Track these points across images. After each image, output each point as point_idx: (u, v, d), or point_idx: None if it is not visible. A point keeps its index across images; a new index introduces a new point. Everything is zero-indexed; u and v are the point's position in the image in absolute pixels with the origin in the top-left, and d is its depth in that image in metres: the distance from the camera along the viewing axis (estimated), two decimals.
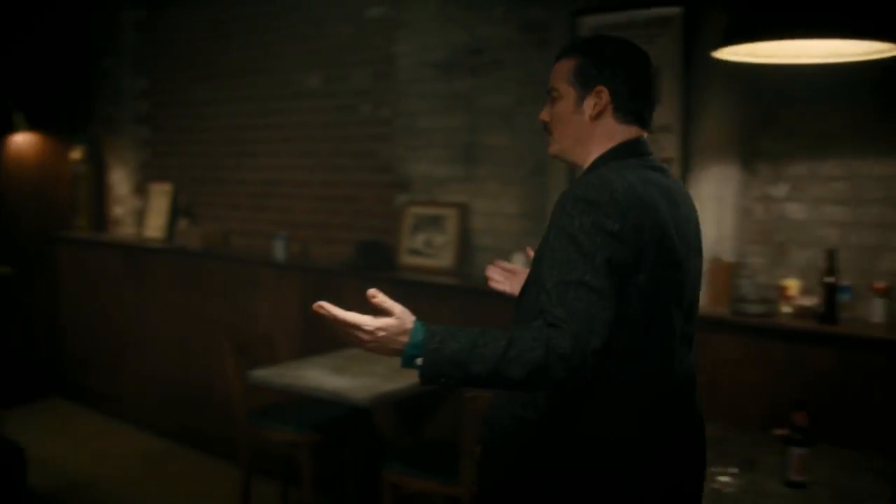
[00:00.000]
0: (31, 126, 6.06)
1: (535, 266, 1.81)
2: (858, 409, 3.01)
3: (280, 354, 4.28)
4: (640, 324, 1.74)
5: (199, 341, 5.24)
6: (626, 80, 1.87)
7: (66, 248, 6.26)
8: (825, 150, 3.26)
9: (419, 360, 1.63)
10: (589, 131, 1.88)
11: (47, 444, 5.22)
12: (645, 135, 1.91)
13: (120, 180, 6.20)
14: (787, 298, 3.28)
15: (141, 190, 6.00)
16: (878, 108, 3.17)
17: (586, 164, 1.90)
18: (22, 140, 6.12)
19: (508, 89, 4.05)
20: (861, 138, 3.20)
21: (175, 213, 5.63)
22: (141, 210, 5.97)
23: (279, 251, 4.77)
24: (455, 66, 4.23)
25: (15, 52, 5.98)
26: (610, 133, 1.87)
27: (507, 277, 2.24)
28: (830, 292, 3.11)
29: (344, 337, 1.69)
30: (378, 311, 1.66)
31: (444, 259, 4.24)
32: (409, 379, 3.61)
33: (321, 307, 1.67)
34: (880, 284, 3.13)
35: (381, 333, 1.66)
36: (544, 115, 1.96)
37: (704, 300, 3.42)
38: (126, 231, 6.14)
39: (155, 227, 5.72)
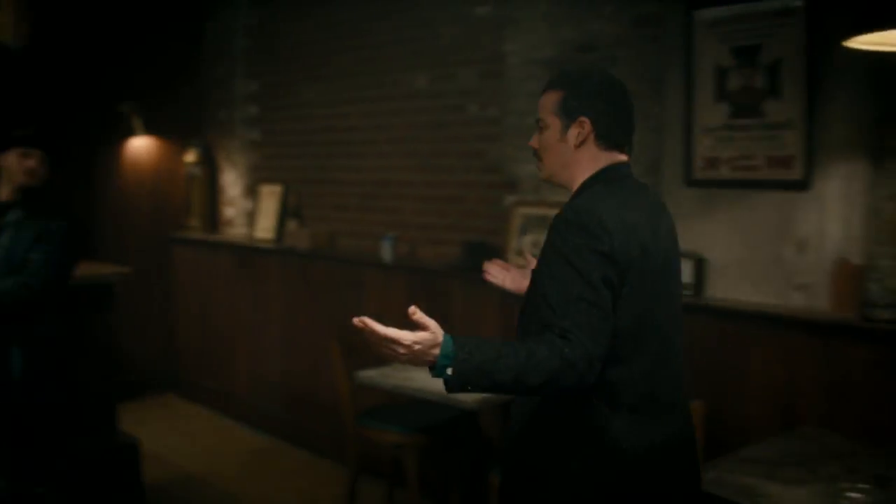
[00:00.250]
0: (148, 130, 6.25)
1: (534, 283, 1.98)
2: None
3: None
4: (630, 331, 1.92)
5: (307, 341, 5.29)
6: (606, 110, 2.05)
7: (180, 249, 6.43)
8: None
9: (449, 370, 1.77)
10: (574, 158, 2.07)
11: (161, 440, 5.34)
12: (625, 158, 2.09)
13: (231, 182, 6.33)
14: None
15: (251, 191, 6.11)
16: None
17: (573, 187, 2.09)
18: (139, 144, 6.31)
19: None
20: None
21: (284, 214, 5.70)
22: (251, 211, 6.07)
23: (386, 252, 4.77)
24: (564, 64, 4.14)
25: (134, 60, 6.18)
26: (593, 159, 2.06)
27: (503, 273, 2.42)
28: None
29: (378, 350, 1.81)
30: (416, 326, 1.78)
31: None
32: None
33: (363, 322, 1.79)
34: None
35: (417, 347, 1.77)
36: (534, 143, 2.16)
37: (826, 304, 3.28)
38: (237, 232, 6.26)
39: (265, 227, 5.81)
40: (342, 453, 4.56)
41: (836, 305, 3.24)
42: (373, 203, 5.15)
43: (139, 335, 6.32)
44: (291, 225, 5.55)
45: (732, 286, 3.55)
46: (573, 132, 2.06)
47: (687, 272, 3.60)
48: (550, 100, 2.12)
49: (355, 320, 1.79)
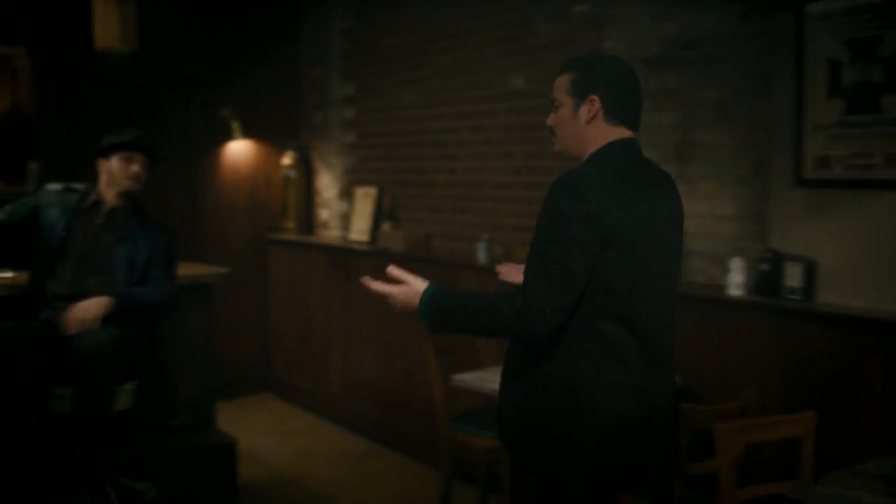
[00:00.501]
0: (247, 134, 6.34)
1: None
2: None
3: (482, 358, 4.21)
4: (619, 291, 2.12)
5: (401, 343, 5.28)
6: (614, 89, 2.25)
7: (276, 250, 6.50)
8: None
9: (424, 317, 2.20)
10: (584, 133, 2.25)
11: (255, 439, 5.41)
12: (632, 134, 2.28)
13: (327, 184, 6.37)
14: None
15: (346, 193, 6.13)
16: None
17: (584, 159, 2.27)
18: (238, 147, 6.41)
19: (725, 83, 3.80)
20: None
21: (379, 215, 5.71)
22: (346, 213, 6.10)
23: (481, 254, 4.72)
24: (666, 61, 4.02)
25: (233, 64, 6.29)
26: (602, 134, 2.25)
27: (515, 270, 2.50)
28: None
29: (387, 304, 2.27)
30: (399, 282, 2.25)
31: None
32: None
33: (366, 282, 2.28)
34: None
35: (401, 297, 2.25)
36: (550, 121, 2.34)
37: None
38: (332, 234, 6.30)
39: (359, 229, 5.82)
40: (436, 457, 4.52)
41: None
42: (467, 205, 5.10)
43: (236, 335, 6.41)
44: (386, 227, 5.54)
45: (845, 292, 3.38)
46: (584, 109, 2.25)
47: (796, 276, 3.46)
48: (564, 81, 2.30)
49: (361, 280, 2.30)
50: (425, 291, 2.23)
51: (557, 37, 4.54)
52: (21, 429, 3.37)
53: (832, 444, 3.13)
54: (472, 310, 2.16)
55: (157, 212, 6.08)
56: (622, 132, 2.27)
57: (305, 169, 6.46)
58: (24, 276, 3.80)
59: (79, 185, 3.85)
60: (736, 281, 3.61)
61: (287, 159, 6.42)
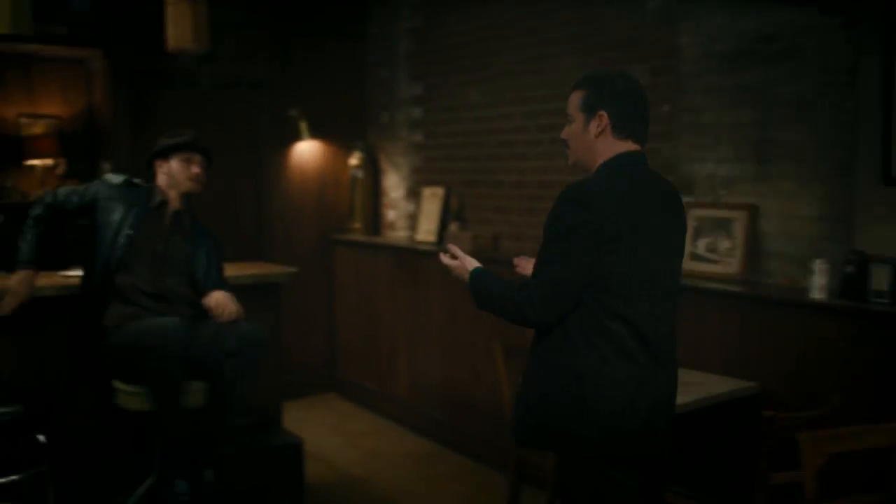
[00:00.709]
0: (314, 134, 6.35)
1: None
2: None
3: None
4: (621, 293, 2.31)
5: (468, 344, 5.22)
6: (621, 106, 2.41)
7: (342, 251, 6.50)
8: None
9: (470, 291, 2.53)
10: (594, 146, 2.44)
11: (321, 439, 5.40)
12: (638, 147, 2.45)
13: (394, 185, 6.35)
14: None
15: (413, 194, 6.10)
16: None
17: (593, 170, 2.45)
18: (305, 147, 6.43)
19: (807, 78, 3.66)
20: None
21: (446, 216, 5.66)
22: (413, 214, 6.07)
23: None
24: (744, 56, 3.89)
25: (301, 65, 6.31)
26: (610, 147, 2.43)
27: (530, 264, 2.62)
28: None
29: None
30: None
31: (730, 265, 3.91)
32: (694, 393, 3.35)
33: (440, 256, 2.65)
34: None
35: (456, 271, 2.60)
36: (564, 134, 2.55)
37: None
38: (399, 234, 6.27)
39: (426, 230, 5.78)
40: (503, 460, 4.45)
41: None
42: (537, 205, 5.02)
43: (302, 335, 6.43)
44: (453, 227, 5.49)
45: None
46: (593, 124, 2.44)
47: (883, 279, 3.31)
48: (576, 97, 2.50)
49: (439, 255, 2.67)
50: (472, 270, 2.55)
51: (630, 33, 4.44)
52: (166, 422, 3.48)
53: None
54: (495, 293, 2.45)
55: (226, 212, 6.20)
56: (629, 146, 2.45)
57: (372, 169, 6.45)
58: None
59: (139, 181, 3.86)
60: (818, 284, 3.47)
61: (354, 160, 6.42)
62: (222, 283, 3.84)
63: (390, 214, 6.41)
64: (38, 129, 5.82)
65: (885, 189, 3.38)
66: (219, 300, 3.63)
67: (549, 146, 4.91)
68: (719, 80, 4.00)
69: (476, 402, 5.15)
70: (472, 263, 2.57)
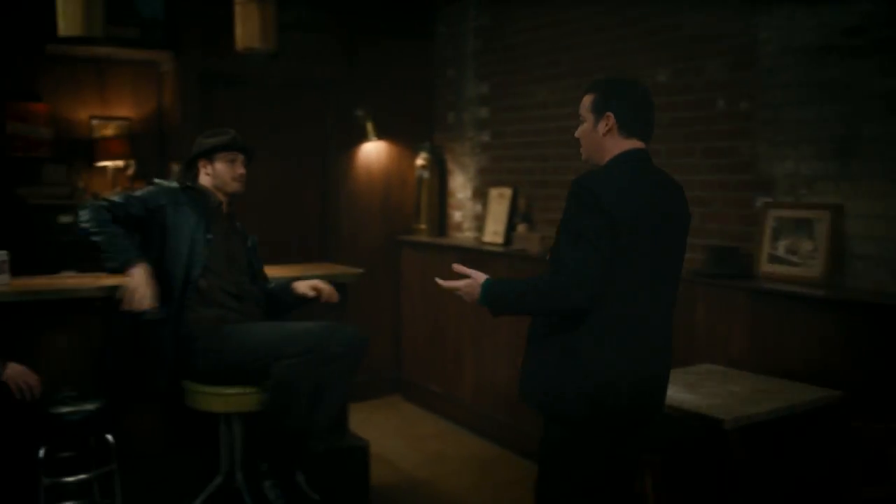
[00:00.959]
0: (380, 135, 6.33)
1: (558, 232, 2.61)
2: None
3: None
4: (623, 276, 2.50)
5: (519, 336, 5.10)
6: (627, 108, 2.66)
7: (408, 252, 6.46)
8: None
9: (483, 305, 2.67)
10: (602, 144, 2.67)
11: (386, 442, 5.35)
12: (643, 145, 2.67)
13: (460, 185, 6.28)
14: None
15: (480, 194, 6.03)
16: None
17: (601, 165, 2.68)
18: (371, 148, 6.40)
19: None
20: None
21: (513, 217, 5.57)
22: (480, 215, 5.99)
23: None
24: (827, 50, 3.73)
25: (367, 65, 6.29)
26: (617, 145, 2.66)
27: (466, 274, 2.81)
28: None
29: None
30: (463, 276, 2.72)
31: (812, 268, 3.75)
32: (774, 402, 3.21)
33: (438, 281, 2.76)
34: None
35: (466, 290, 2.70)
36: (577, 134, 2.76)
37: None
38: (465, 236, 6.20)
39: (493, 231, 5.70)
40: None
41: None
42: None
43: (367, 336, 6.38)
44: (521, 228, 5.40)
45: None
46: (601, 124, 2.67)
47: None
48: (587, 100, 2.73)
49: (436, 280, 2.79)
50: (484, 283, 2.67)
51: (705, 28, 4.30)
52: (286, 424, 3.55)
53: None
54: (521, 291, 2.63)
55: (292, 212, 6.20)
56: (634, 143, 2.67)
57: (438, 170, 6.39)
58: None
59: (191, 184, 3.81)
60: None
61: (420, 160, 6.37)
62: (267, 280, 3.96)
63: (456, 215, 6.35)
64: (109, 130, 5.90)
65: None
66: (319, 284, 3.82)
67: None
68: (801, 74, 3.85)
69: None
70: (482, 276, 2.70)
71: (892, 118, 3.50)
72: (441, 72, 6.49)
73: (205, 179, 3.77)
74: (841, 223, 3.69)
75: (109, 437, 3.39)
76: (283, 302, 3.90)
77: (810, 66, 3.80)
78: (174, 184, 3.77)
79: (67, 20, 4.15)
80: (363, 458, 4.42)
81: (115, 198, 3.65)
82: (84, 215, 3.54)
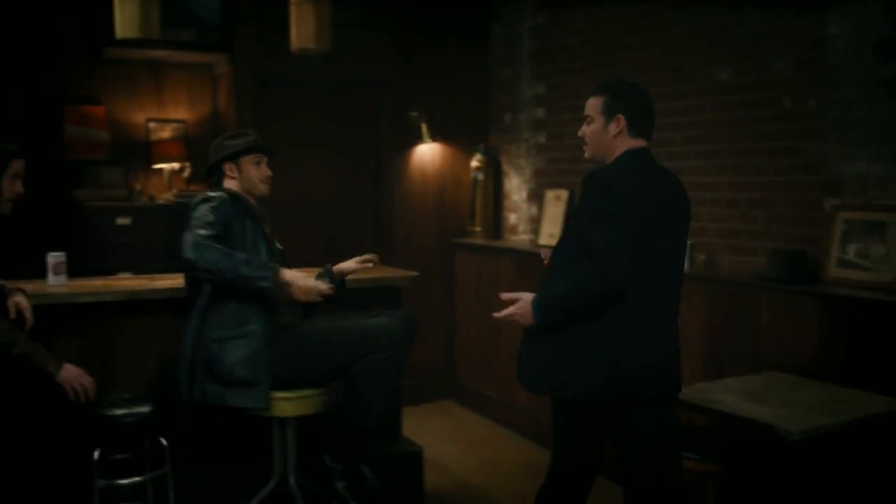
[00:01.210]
0: (435, 136, 6.27)
1: (569, 221, 2.89)
2: None
3: (684, 372, 3.89)
4: (636, 264, 2.66)
5: None
6: (635, 110, 2.87)
7: (463, 254, 6.39)
8: None
9: (540, 322, 2.80)
10: (612, 143, 2.87)
11: (439, 447, 5.30)
12: (646, 144, 2.90)
13: (515, 187, 6.20)
14: None
15: (536, 197, 5.94)
16: None
17: (608, 163, 2.87)
18: (426, 149, 6.35)
19: None
20: None
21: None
22: (536, 217, 5.91)
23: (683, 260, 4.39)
24: None
25: (422, 66, 6.26)
26: (625, 144, 2.86)
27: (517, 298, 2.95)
28: None
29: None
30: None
31: (884, 273, 3.59)
32: (847, 412, 3.08)
33: (495, 315, 2.95)
34: None
35: (521, 312, 2.85)
36: (581, 133, 2.95)
37: None
38: (521, 238, 6.12)
39: (549, 234, 5.61)
40: None
41: None
42: None
43: (420, 340, 6.29)
44: None
45: None
46: (612, 126, 2.86)
47: None
48: (596, 102, 2.89)
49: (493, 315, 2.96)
50: (533, 301, 2.82)
51: (770, 23, 4.17)
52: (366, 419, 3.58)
53: None
54: (565, 292, 2.75)
55: (346, 213, 6.18)
56: (639, 142, 2.89)
57: (493, 171, 6.32)
58: None
59: (227, 190, 3.66)
60: None
61: (475, 161, 6.30)
62: None
63: (511, 218, 6.26)
64: (165, 133, 5.93)
65: None
66: (366, 257, 3.85)
67: (683, 146, 4.67)
68: (873, 70, 3.69)
69: None
70: (528, 296, 2.84)
71: None
72: (497, 72, 6.41)
73: (231, 183, 3.65)
74: None
75: (163, 440, 3.38)
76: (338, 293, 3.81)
77: (883, 62, 3.65)
78: (222, 194, 3.59)
79: (124, 22, 4.17)
80: (417, 463, 4.36)
81: (205, 231, 3.37)
82: (207, 258, 3.30)
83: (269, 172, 3.71)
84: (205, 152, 3.91)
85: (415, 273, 4.53)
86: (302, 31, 4.52)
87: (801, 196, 4.02)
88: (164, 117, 5.95)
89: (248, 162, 3.63)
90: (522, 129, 6.09)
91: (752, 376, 3.63)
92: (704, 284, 4.25)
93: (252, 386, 3.42)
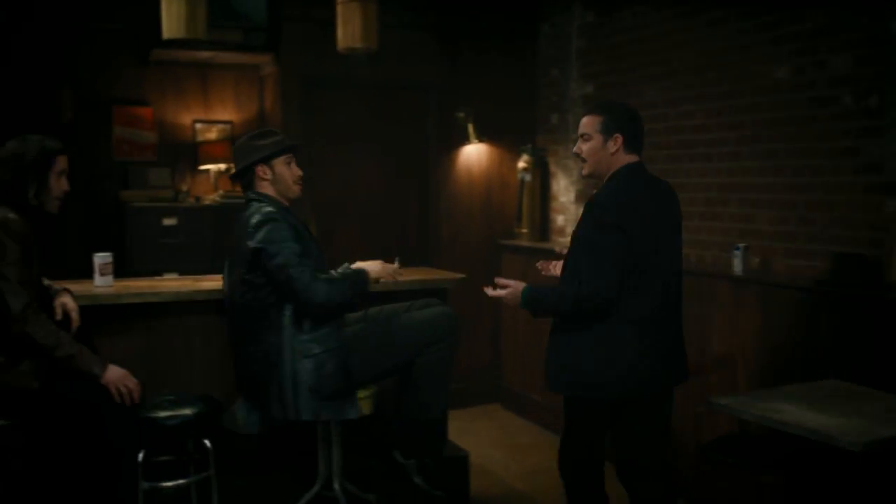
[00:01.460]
0: (482, 137, 6.20)
1: (572, 243, 3.11)
2: None
3: (739, 379, 3.79)
4: (635, 270, 2.95)
5: None
6: (630, 129, 3.10)
7: (509, 256, 6.30)
8: None
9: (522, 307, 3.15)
10: (610, 160, 3.10)
11: (485, 451, 5.23)
12: (639, 159, 3.13)
13: (563, 189, 6.11)
14: None
15: (583, 198, 5.84)
16: None
17: (606, 178, 3.12)
18: (472, 150, 6.29)
19: None
20: None
21: None
22: None
23: (737, 264, 4.27)
24: None
25: (469, 66, 6.20)
26: (620, 160, 3.10)
27: (553, 266, 3.58)
28: None
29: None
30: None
31: None
32: None
33: (485, 289, 3.24)
34: None
35: (509, 297, 3.17)
36: (577, 150, 3.17)
37: None
38: (567, 241, 6.01)
39: None
40: (680, 484, 4.13)
41: None
42: (720, 210, 4.66)
43: (466, 342, 6.25)
44: None
45: None
46: (610, 143, 3.09)
47: None
48: (595, 120, 3.11)
49: (483, 287, 3.27)
50: (524, 290, 3.12)
51: (830, 19, 4.03)
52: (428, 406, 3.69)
53: None
54: (554, 300, 3.10)
55: (392, 214, 6.13)
56: (633, 157, 3.12)
57: (541, 172, 6.22)
58: None
59: (261, 195, 3.52)
60: None
61: (522, 162, 6.21)
62: None
63: (559, 219, 6.17)
64: (211, 134, 5.94)
65: None
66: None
67: (737, 145, 4.55)
68: None
69: None
70: (521, 285, 3.15)
71: None
72: (544, 72, 6.32)
73: (263, 186, 3.48)
74: None
75: (207, 442, 3.35)
76: None
77: None
78: (269, 206, 3.42)
79: (171, 22, 4.16)
80: (464, 468, 4.30)
81: (305, 263, 3.31)
82: (336, 295, 3.33)
83: (301, 172, 3.56)
84: None
85: (461, 275, 4.47)
86: (349, 29, 4.48)
87: (862, 197, 3.88)
88: (211, 118, 5.96)
89: (280, 163, 3.47)
90: (570, 130, 5.99)
91: (811, 384, 3.49)
92: (759, 288, 4.12)
93: (346, 396, 3.40)
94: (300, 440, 3.87)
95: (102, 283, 3.76)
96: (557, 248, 5.83)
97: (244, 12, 5.47)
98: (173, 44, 4.52)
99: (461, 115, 6.12)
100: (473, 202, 6.34)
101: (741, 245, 4.31)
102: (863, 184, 3.88)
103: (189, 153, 5.88)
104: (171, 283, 4.02)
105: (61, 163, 3.21)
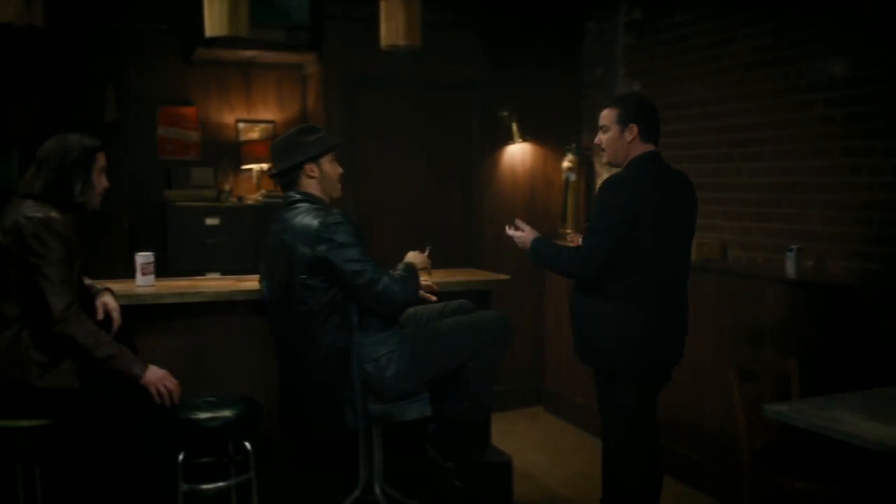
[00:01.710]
0: (526, 136, 6.12)
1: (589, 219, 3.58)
2: None
3: (792, 385, 3.66)
4: (645, 252, 3.24)
5: (691, 361, 4.77)
6: (645, 119, 3.36)
7: None
8: None
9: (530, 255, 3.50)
10: (627, 149, 3.36)
11: (527, 455, 5.15)
12: (656, 148, 3.39)
13: None
14: None
15: None
16: None
17: (623, 167, 3.38)
18: (516, 149, 6.21)
19: None
20: None
21: None
22: None
23: (790, 266, 4.15)
24: None
25: (513, 64, 6.14)
26: (637, 149, 3.36)
27: (577, 238, 3.60)
28: None
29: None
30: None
31: None
32: None
33: (507, 229, 3.60)
34: None
35: (521, 239, 3.52)
36: (598, 141, 3.44)
37: None
38: None
39: None
40: (729, 492, 4.04)
41: None
42: (772, 210, 4.53)
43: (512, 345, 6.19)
44: None
45: None
46: (627, 134, 3.34)
47: None
48: (612, 112, 3.38)
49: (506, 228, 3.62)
50: (534, 238, 3.47)
51: (887, 13, 3.89)
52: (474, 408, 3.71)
53: None
54: (553, 256, 3.42)
55: (436, 213, 6.07)
56: (649, 147, 3.36)
57: (586, 172, 6.13)
58: None
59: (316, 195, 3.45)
60: None
61: (567, 162, 6.12)
62: None
63: None
64: (254, 134, 5.94)
65: None
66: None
67: (790, 144, 4.42)
68: None
69: (700, 425, 4.70)
70: (535, 233, 3.49)
71: None
72: (590, 70, 6.22)
73: (309, 184, 3.38)
74: None
75: (248, 444, 3.31)
76: None
77: None
78: (334, 210, 3.34)
79: (214, 21, 4.14)
80: (507, 473, 4.23)
81: (370, 259, 3.27)
82: (407, 290, 3.35)
83: (342, 170, 3.48)
84: None
85: (506, 276, 4.40)
86: (392, 27, 4.43)
87: None
88: (254, 118, 5.95)
89: (327, 161, 3.40)
90: None
91: (869, 391, 3.36)
92: (813, 291, 3.99)
93: (415, 395, 3.36)
94: (341, 443, 3.82)
95: (144, 282, 3.74)
96: None
97: (286, 11, 5.46)
98: (216, 43, 4.51)
99: (505, 114, 6.04)
100: (517, 202, 6.26)
101: (794, 247, 4.18)
102: None
103: (232, 153, 5.88)
104: (213, 283, 4.00)
105: (101, 160, 3.20)
